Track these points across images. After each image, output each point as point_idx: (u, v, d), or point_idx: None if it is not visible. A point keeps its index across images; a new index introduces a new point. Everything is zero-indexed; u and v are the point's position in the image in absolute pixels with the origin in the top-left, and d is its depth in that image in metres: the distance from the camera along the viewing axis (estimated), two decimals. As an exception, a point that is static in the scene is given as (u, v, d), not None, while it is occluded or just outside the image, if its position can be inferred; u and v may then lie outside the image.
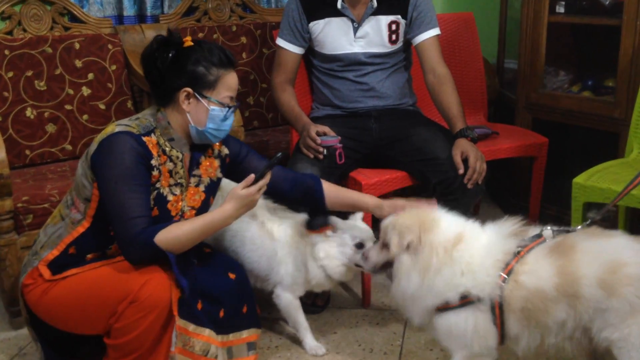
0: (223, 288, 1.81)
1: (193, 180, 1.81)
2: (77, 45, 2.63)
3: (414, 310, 1.64)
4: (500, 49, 3.26)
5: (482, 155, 2.17)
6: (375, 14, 2.32)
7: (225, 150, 1.90)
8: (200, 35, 2.90)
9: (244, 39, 2.98)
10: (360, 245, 1.92)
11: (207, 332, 1.74)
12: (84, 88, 2.64)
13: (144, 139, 1.67)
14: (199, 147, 1.82)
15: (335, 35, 2.34)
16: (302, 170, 2.19)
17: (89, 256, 1.74)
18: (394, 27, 2.34)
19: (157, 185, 1.70)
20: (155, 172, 1.69)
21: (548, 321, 1.52)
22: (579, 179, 2.22)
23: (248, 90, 2.99)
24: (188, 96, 1.71)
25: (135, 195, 1.64)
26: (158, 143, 1.71)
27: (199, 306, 1.74)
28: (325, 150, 2.20)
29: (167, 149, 1.73)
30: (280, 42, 2.40)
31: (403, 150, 2.31)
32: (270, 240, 2.03)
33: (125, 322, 1.66)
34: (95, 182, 1.68)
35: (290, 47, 2.38)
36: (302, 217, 2.04)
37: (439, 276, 1.56)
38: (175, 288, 1.67)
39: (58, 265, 1.73)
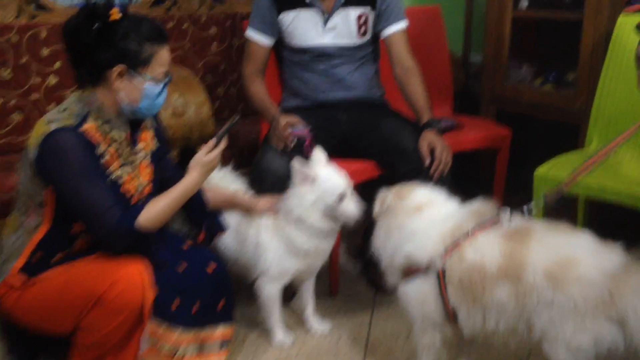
0: (199, 281, 1.79)
1: (140, 154, 1.78)
2: (43, 34, 2.59)
3: (385, 270, 1.75)
4: (466, 43, 3.33)
5: (447, 147, 2.23)
6: (344, 5, 2.35)
7: (154, 122, 1.88)
8: (171, 24, 2.89)
9: (214, 30, 2.97)
10: (342, 197, 1.90)
11: (178, 331, 1.72)
12: (50, 77, 2.60)
13: (82, 129, 1.61)
14: (134, 122, 1.77)
15: (305, 27, 2.36)
16: (272, 161, 2.21)
17: (57, 258, 1.72)
18: (362, 19, 2.38)
19: (109, 170, 1.67)
20: (106, 157, 1.66)
21: (486, 299, 1.52)
22: (540, 170, 2.29)
23: (218, 80, 2.99)
24: (121, 74, 1.64)
25: (99, 186, 1.61)
26: (97, 128, 1.65)
27: (174, 306, 1.72)
28: (294, 141, 2.22)
29: (107, 131, 1.67)
30: (250, 33, 2.41)
31: (371, 141, 2.35)
32: (254, 226, 2.03)
33: (91, 322, 1.65)
34: (48, 186, 1.64)
35: (260, 38, 2.39)
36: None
37: (391, 237, 1.69)
38: (151, 288, 1.65)
39: (28, 272, 1.70)
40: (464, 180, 2.96)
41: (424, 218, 1.66)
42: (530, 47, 3.02)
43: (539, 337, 1.51)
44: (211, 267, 1.84)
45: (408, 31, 2.44)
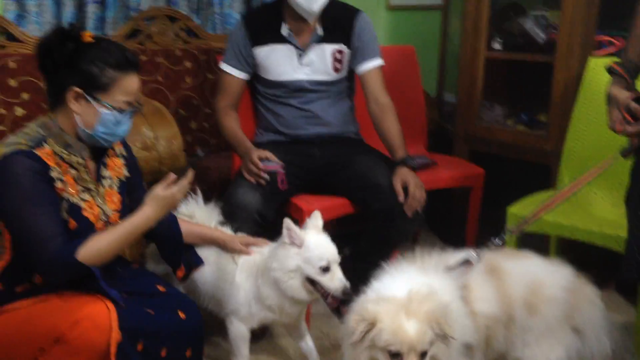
0: (169, 326, 1.70)
1: (106, 182, 1.73)
2: (12, 64, 2.54)
3: None
4: (440, 83, 3.37)
5: (421, 184, 2.21)
6: (320, 41, 2.35)
7: (124, 152, 1.82)
8: (144, 58, 2.86)
9: (188, 64, 2.96)
10: (326, 269, 1.78)
11: None
12: (17, 108, 2.54)
13: (37, 152, 1.56)
14: (101, 150, 1.72)
15: (280, 62, 2.35)
16: (244, 195, 2.17)
17: (19, 289, 1.65)
18: (338, 55, 2.38)
19: (65, 196, 1.61)
20: (58, 184, 1.59)
21: (494, 344, 1.56)
22: (513, 209, 2.29)
23: (191, 115, 2.96)
24: (77, 97, 1.60)
25: (43, 215, 1.54)
26: (54, 152, 1.60)
27: (139, 347, 1.63)
28: (267, 176, 2.19)
29: (65, 156, 1.62)
30: (224, 66, 2.39)
31: (345, 177, 2.33)
32: (232, 263, 1.96)
33: None
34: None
35: (234, 72, 2.38)
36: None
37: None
38: (117, 329, 1.57)
39: None
40: (437, 218, 2.97)
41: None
42: (503, 88, 3.06)
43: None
44: (183, 314, 1.75)
45: (383, 70, 2.45)
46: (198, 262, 1.97)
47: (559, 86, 2.63)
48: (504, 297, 1.54)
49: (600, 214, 2.27)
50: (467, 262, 1.59)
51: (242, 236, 2.01)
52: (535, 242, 2.59)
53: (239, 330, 1.95)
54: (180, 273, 1.94)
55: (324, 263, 1.77)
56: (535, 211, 1.75)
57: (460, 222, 2.80)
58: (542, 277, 1.58)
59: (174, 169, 2.39)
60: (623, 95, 1.65)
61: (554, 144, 2.65)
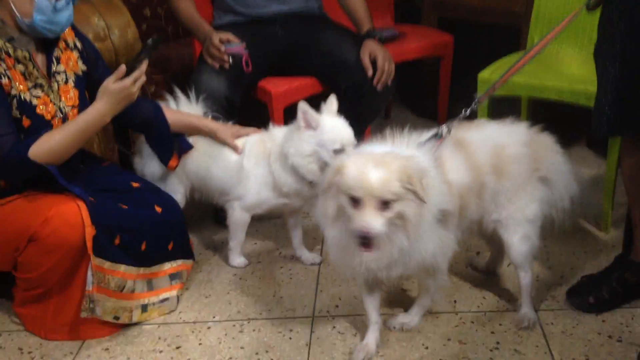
0: (145, 220, 1.71)
1: (60, 78, 1.65)
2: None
3: None
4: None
5: (389, 56, 2.16)
6: None
7: (79, 44, 1.73)
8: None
9: (134, -55, 2.74)
10: (339, 151, 1.73)
11: (122, 267, 1.66)
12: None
13: None
14: (49, 43, 1.63)
15: None
16: (208, 81, 2.10)
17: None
18: None
19: (14, 92, 1.55)
20: (4, 80, 1.53)
21: (467, 213, 1.57)
22: (483, 74, 2.25)
23: (144, 1, 2.79)
24: None
25: None
26: None
27: (117, 241, 1.65)
28: (230, 59, 2.11)
29: (10, 50, 1.55)
30: (173, -56, 2.22)
31: (311, 56, 2.26)
32: (238, 154, 1.92)
33: (27, 259, 1.59)
34: None
35: (185, -50, 2.21)
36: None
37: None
38: (90, 226, 1.57)
39: None
40: (408, 90, 2.94)
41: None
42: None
43: (490, 225, 1.62)
44: (159, 207, 1.76)
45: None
46: (187, 147, 1.92)
47: (527, -58, 2.51)
48: (473, 165, 1.55)
49: (570, 72, 2.25)
50: (437, 136, 1.58)
51: (232, 126, 1.95)
52: (507, 106, 2.61)
53: (242, 217, 1.95)
54: (173, 163, 1.90)
55: (337, 146, 1.72)
56: (502, 75, 1.72)
57: (432, 93, 2.78)
58: (502, 139, 1.59)
59: (130, 61, 2.29)
60: None
61: (522, 4, 2.58)
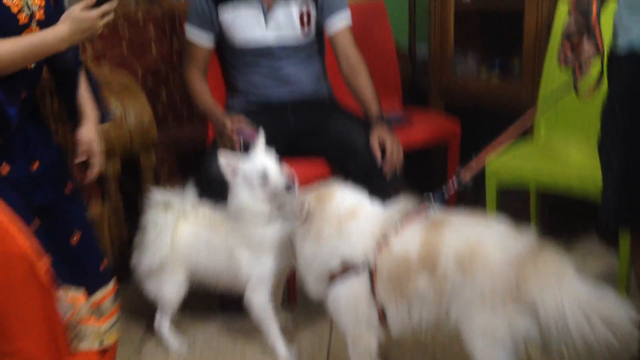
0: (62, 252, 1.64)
1: None
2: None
3: (308, 278, 1.71)
4: (411, 36, 3.32)
5: (398, 142, 2.19)
6: (286, 1, 2.28)
7: None
8: (105, 30, 2.75)
9: (151, 31, 2.86)
10: (265, 177, 1.84)
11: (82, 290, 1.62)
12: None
13: None
14: None
15: (246, 24, 2.28)
16: (219, 166, 2.13)
17: None
18: (305, 14, 2.31)
19: None
20: None
21: (410, 290, 1.53)
22: (491, 160, 2.28)
23: (160, 85, 2.88)
24: None
25: None
26: None
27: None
28: (242, 142, 2.15)
29: None
30: (189, 32, 2.31)
31: (321, 140, 2.30)
32: (220, 237, 1.95)
33: None
34: None
35: (199, 38, 2.31)
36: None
37: (326, 244, 1.63)
38: (41, 255, 1.49)
39: None
40: (415, 177, 2.96)
41: (356, 219, 1.64)
42: (475, 39, 3.03)
43: (456, 328, 1.49)
44: (75, 237, 1.68)
45: (353, 27, 2.39)
46: (107, 116, 1.86)
47: (530, 34, 2.60)
48: (427, 245, 1.50)
49: (578, 163, 2.26)
50: (420, 207, 1.61)
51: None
52: (515, 198, 2.62)
53: (261, 303, 1.94)
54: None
55: (259, 172, 1.84)
56: (479, 156, 1.74)
57: (440, 178, 2.80)
58: (486, 237, 1.46)
59: (145, 143, 2.35)
60: (570, 27, 1.61)
61: (528, 93, 2.64)
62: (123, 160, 2.34)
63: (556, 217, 1.69)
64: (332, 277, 1.64)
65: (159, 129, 2.48)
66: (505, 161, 2.26)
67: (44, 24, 1.58)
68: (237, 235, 1.92)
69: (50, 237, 1.61)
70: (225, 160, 1.87)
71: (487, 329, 1.43)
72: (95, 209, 2.32)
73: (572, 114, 2.39)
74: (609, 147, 1.70)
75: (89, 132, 1.82)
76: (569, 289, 1.35)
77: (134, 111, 2.32)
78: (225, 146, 2.15)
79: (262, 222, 1.88)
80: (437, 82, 2.95)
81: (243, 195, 1.86)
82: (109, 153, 2.26)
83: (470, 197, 2.76)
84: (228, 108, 2.39)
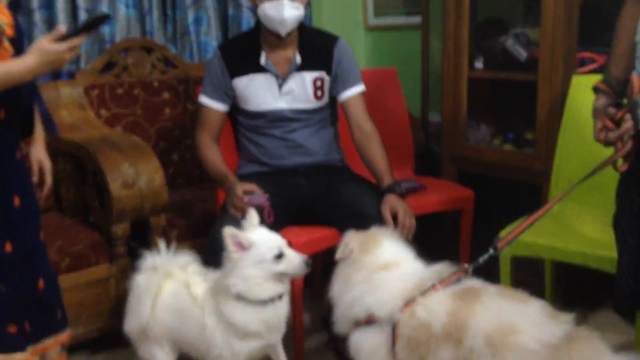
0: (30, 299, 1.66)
1: None
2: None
3: (336, 315, 1.71)
4: (424, 103, 3.33)
5: (410, 211, 2.17)
6: (299, 70, 2.31)
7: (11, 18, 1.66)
8: (120, 91, 2.80)
9: (166, 95, 2.90)
10: (280, 256, 1.74)
11: (18, 356, 1.59)
12: (-8, 148, 2.46)
13: None
14: None
15: (260, 92, 2.30)
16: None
17: None
18: (319, 83, 2.34)
19: None
20: None
21: (430, 357, 1.48)
22: (505, 232, 2.23)
23: (172, 147, 2.90)
24: None
25: None
26: None
27: (11, 329, 1.58)
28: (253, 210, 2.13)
29: None
30: (203, 99, 2.33)
31: (332, 207, 2.28)
32: (198, 308, 1.83)
33: None
34: None
35: (213, 105, 2.32)
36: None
37: (353, 288, 1.63)
38: None
39: None
40: (428, 243, 2.92)
41: (390, 273, 1.64)
42: (488, 108, 3.04)
43: None
44: (41, 283, 1.70)
45: (365, 94, 2.41)
46: (51, 128, 1.88)
47: (543, 105, 2.60)
48: (454, 317, 1.46)
49: (593, 235, 2.22)
50: (454, 277, 1.58)
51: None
52: (530, 266, 2.57)
53: None
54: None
55: (276, 252, 1.73)
56: (506, 237, 1.70)
57: (453, 246, 2.76)
58: (522, 324, 1.40)
59: (155, 206, 2.34)
60: (603, 104, 1.63)
61: (542, 163, 2.62)
62: (133, 221, 2.33)
63: (571, 287, 1.64)
64: (357, 323, 1.63)
65: (170, 191, 2.48)
66: (518, 237, 2.22)
67: (15, 41, 1.61)
68: (215, 312, 1.80)
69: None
70: (233, 232, 1.74)
71: None
72: (103, 269, 2.29)
73: (587, 184, 2.35)
74: (624, 228, 1.68)
75: (39, 152, 1.88)
76: None
77: (146, 174, 2.32)
78: (235, 212, 2.13)
79: (254, 308, 1.75)
80: (449, 150, 2.94)
81: (250, 271, 1.73)
82: (119, 214, 2.26)
83: (484, 267, 2.71)
84: (239, 173, 2.39)
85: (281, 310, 1.81)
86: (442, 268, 1.65)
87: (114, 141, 2.40)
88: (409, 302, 1.55)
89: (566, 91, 2.51)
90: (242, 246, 1.73)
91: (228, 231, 1.73)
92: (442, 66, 2.91)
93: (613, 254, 1.90)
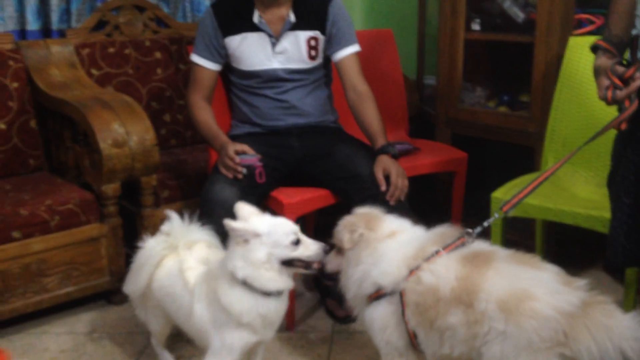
0: None
1: None
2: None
3: (352, 301, 1.69)
4: (419, 66, 3.30)
5: (403, 172, 2.16)
6: (293, 29, 2.27)
7: None
8: (111, 50, 2.76)
9: (158, 54, 2.86)
10: (297, 242, 1.62)
11: None
12: None
13: None
14: None
15: (253, 51, 2.27)
16: (221, 192, 2.10)
17: None
18: (313, 42, 2.30)
19: None
20: None
21: (439, 322, 1.48)
22: (497, 193, 2.24)
23: (164, 107, 2.87)
24: None
25: None
26: None
27: None
28: (244, 170, 2.12)
29: None
30: (195, 58, 2.30)
31: (325, 168, 2.27)
32: (188, 293, 1.72)
33: None
34: None
35: (205, 64, 2.29)
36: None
37: (360, 265, 1.62)
38: None
39: None
40: (421, 205, 2.92)
41: (393, 242, 1.62)
42: (484, 70, 3.01)
43: None
44: None
45: (360, 55, 2.38)
46: None
47: (539, 66, 2.57)
48: (464, 281, 1.45)
49: (585, 196, 2.23)
50: (459, 241, 1.56)
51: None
52: (521, 227, 2.58)
53: None
54: None
55: (293, 237, 1.61)
56: (516, 195, 1.68)
57: (445, 208, 2.76)
58: (538, 290, 1.39)
59: (147, 166, 2.33)
60: (608, 62, 1.58)
61: (536, 125, 2.61)
62: (124, 181, 2.32)
63: (562, 246, 1.65)
64: (369, 300, 1.63)
65: (162, 151, 2.47)
66: (509, 191, 2.22)
67: None
68: (206, 298, 1.70)
69: None
70: (234, 226, 1.59)
71: None
72: (94, 228, 2.29)
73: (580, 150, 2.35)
74: (619, 186, 1.67)
75: None
76: (616, 340, 1.34)
77: (137, 133, 2.30)
78: (226, 172, 2.12)
79: (256, 298, 1.63)
80: (444, 112, 2.92)
81: (261, 255, 1.59)
82: (109, 174, 2.25)
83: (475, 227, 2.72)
84: (232, 134, 2.37)
85: (280, 306, 1.69)
86: (443, 231, 1.63)
87: (104, 100, 2.37)
88: (413, 270, 1.53)
89: (563, 53, 2.48)
90: (249, 236, 1.59)
91: (229, 224, 1.58)
92: (438, 27, 2.87)
93: (604, 214, 1.91)
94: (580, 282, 1.43)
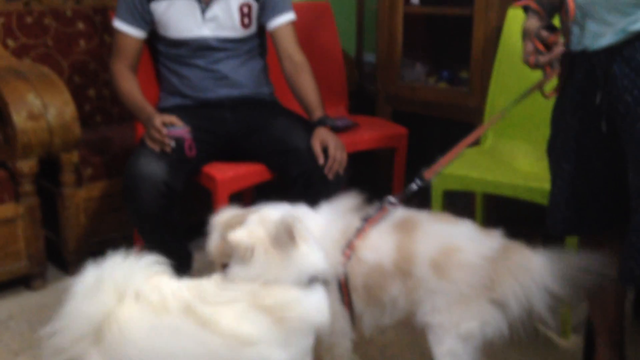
0: None
1: None
2: None
3: None
4: (359, 41, 3.23)
5: (342, 144, 2.07)
6: (225, -7, 2.15)
7: None
8: (29, 20, 2.56)
9: (81, 25, 2.67)
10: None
11: None
12: None
13: None
14: None
15: (181, 17, 2.13)
16: (147, 165, 1.96)
17: None
18: (245, 9, 2.18)
19: None
20: None
21: (384, 298, 1.47)
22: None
23: (88, 81, 2.69)
24: None
25: None
26: None
27: None
28: (173, 142, 1.98)
29: None
30: (117, 24, 2.14)
31: (260, 142, 2.16)
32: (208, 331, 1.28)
33: None
34: None
35: (129, 30, 2.14)
36: None
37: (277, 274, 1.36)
38: None
39: None
40: (362, 182, 2.86)
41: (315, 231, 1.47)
42: (423, 45, 2.96)
43: (421, 328, 1.48)
44: None
45: (297, 28, 2.27)
46: None
47: (478, 40, 2.54)
48: (401, 250, 1.45)
49: (524, 168, 2.21)
50: (383, 207, 1.53)
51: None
52: (461, 200, 2.55)
53: None
54: None
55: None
56: (437, 162, 1.69)
57: (386, 184, 2.71)
58: (461, 241, 1.45)
59: (66, 141, 2.16)
60: (535, 25, 1.55)
61: (476, 100, 2.57)
62: (42, 158, 2.15)
63: (501, 219, 1.63)
64: None
65: (86, 128, 2.31)
66: (449, 169, 2.17)
67: None
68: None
69: None
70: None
71: (463, 326, 1.43)
72: (9, 208, 2.11)
73: (519, 120, 2.33)
74: (559, 153, 1.64)
75: None
76: (537, 278, 1.42)
77: (55, 107, 2.13)
78: (153, 145, 1.98)
79: None
80: (384, 89, 2.86)
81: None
82: (25, 149, 2.08)
83: (415, 200, 2.69)
84: (160, 106, 2.23)
85: None
86: (351, 203, 1.57)
87: (20, 71, 2.19)
88: (345, 251, 1.47)
89: (502, 27, 2.44)
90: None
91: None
92: (377, 2, 2.80)
93: (544, 185, 1.88)
94: (496, 230, 1.49)
